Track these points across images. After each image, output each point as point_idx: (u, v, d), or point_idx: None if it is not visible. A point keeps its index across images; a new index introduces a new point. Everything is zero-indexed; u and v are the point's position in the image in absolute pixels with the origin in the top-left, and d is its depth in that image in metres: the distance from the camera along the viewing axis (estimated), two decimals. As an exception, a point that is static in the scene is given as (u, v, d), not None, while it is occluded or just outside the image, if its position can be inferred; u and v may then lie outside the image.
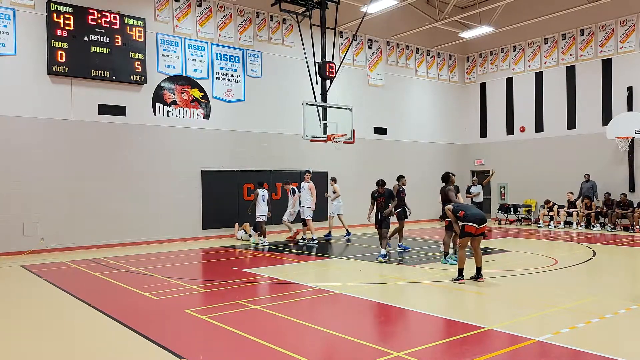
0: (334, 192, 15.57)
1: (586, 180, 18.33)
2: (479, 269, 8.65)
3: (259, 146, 17.28)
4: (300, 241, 14.56)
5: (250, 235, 15.06)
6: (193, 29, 16.04)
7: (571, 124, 19.74)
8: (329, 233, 15.98)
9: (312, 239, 14.37)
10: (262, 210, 14.20)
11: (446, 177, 10.80)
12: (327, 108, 14.82)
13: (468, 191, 16.61)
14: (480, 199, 16.29)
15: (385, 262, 10.77)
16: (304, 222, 14.66)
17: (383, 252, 11.05)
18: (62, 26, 13.54)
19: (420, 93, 22.13)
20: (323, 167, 18.73)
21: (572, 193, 18.39)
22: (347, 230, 15.72)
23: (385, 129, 20.77)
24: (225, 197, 16.21)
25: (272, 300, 7.68)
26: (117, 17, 14.39)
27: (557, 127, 20.15)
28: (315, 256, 12.26)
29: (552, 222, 18.57)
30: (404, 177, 12.96)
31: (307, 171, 15.05)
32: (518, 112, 21.55)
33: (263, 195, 14.28)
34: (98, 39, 14.09)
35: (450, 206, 9.31)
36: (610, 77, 18.61)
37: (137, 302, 7.63)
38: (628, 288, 8.71)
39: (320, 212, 17.07)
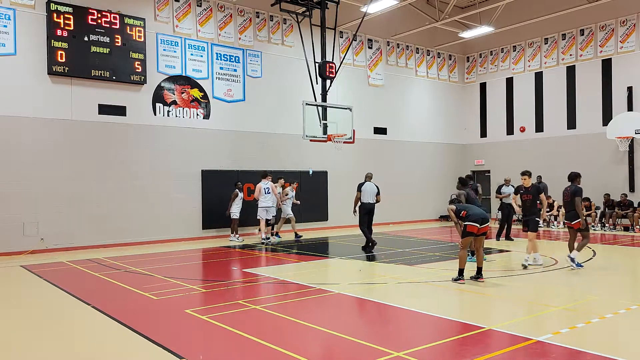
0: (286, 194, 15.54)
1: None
2: (479, 269, 8.66)
3: (259, 146, 17.27)
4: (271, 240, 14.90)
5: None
6: (193, 29, 16.03)
7: (571, 124, 19.74)
8: (297, 234, 15.63)
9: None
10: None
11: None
12: (327, 108, 14.83)
13: (498, 191, 15.12)
14: (510, 200, 14.30)
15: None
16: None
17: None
18: (62, 26, 13.53)
19: (420, 93, 22.11)
20: (323, 167, 18.73)
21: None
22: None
23: (385, 129, 20.76)
24: (225, 197, 16.11)
25: (272, 300, 7.68)
26: (117, 17, 14.38)
27: (557, 127, 20.14)
28: (316, 256, 12.27)
29: (554, 222, 18.50)
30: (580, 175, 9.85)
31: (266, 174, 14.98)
32: (518, 112, 21.54)
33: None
34: (98, 39, 14.08)
35: (452, 206, 9.30)
36: (610, 77, 18.61)
37: (137, 302, 7.63)
38: (628, 288, 8.71)
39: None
